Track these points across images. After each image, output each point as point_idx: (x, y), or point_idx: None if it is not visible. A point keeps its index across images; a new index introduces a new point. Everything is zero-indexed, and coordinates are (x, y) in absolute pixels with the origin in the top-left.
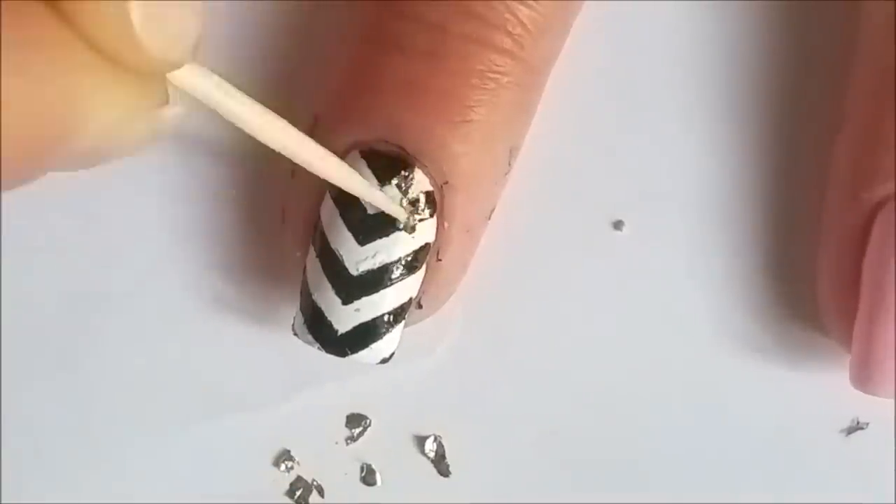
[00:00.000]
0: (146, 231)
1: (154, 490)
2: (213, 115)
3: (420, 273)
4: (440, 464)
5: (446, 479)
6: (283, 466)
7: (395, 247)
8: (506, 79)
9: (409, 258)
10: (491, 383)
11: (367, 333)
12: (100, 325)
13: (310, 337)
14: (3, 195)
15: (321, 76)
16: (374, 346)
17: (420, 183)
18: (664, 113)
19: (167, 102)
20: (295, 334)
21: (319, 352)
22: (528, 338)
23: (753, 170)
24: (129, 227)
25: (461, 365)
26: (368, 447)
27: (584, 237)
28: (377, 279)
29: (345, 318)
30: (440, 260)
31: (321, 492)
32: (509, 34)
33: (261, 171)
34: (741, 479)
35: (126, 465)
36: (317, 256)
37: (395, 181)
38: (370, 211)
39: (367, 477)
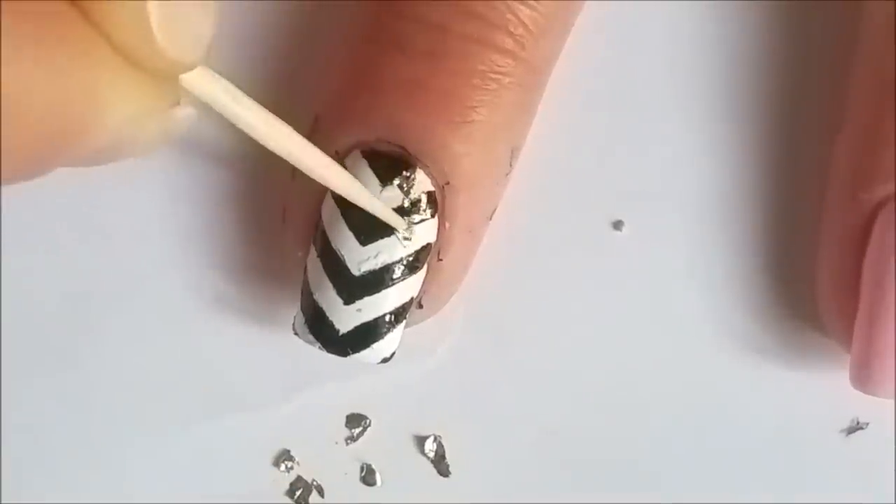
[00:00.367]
0: (147, 231)
1: (154, 490)
2: (218, 117)
3: (421, 273)
4: (440, 464)
5: (446, 479)
6: (283, 466)
7: (397, 247)
8: (507, 79)
9: (411, 258)
10: (491, 383)
11: (368, 333)
12: (100, 325)
13: (311, 337)
14: (4, 195)
15: (321, 76)
16: (375, 345)
17: (422, 183)
18: (664, 113)
19: (178, 104)
20: (296, 334)
21: (320, 352)
22: (529, 338)
23: (753, 170)
24: (130, 227)
25: (461, 365)
26: (368, 447)
27: (584, 237)
28: (379, 279)
29: (346, 318)
30: (441, 260)
31: (321, 492)
32: (511, 34)
33: (261, 172)
34: (741, 478)
35: (126, 465)
36: (318, 256)
37: (396, 181)
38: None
39: (367, 477)
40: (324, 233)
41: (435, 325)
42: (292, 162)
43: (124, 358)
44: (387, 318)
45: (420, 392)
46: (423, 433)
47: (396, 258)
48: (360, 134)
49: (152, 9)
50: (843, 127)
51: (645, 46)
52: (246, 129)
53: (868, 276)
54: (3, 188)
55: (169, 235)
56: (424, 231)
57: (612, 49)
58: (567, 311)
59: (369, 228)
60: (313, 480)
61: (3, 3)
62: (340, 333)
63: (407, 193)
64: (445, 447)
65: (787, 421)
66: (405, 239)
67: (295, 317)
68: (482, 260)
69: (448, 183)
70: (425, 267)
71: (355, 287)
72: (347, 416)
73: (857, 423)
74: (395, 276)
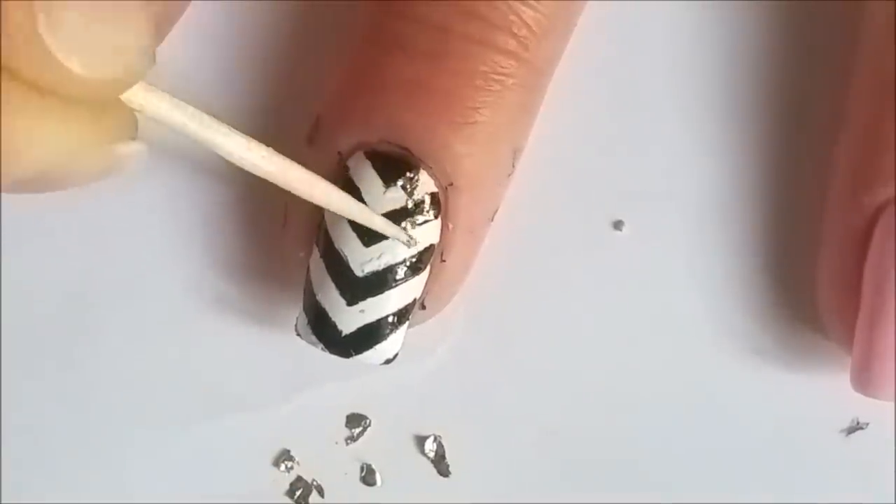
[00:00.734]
0: (147, 231)
1: (154, 490)
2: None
3: (424, 274)
4: (440, 464)
5: (446, 479)
6: (283, 466)
7: (400, 248)
8: (510, 80)
9: (414, 259)
10: (491, 383)
11: (371, 335)
12: (100, 324)
13: (313, 338)
14: (4, 195)
15: (323, 76)
16: (378, 347)
17: (425, 184)
18: (664, 113)
19: (132, 136)
20: (298, 335)
21: (321, 352)
22: (529, 338)
23: (753, 170)
24: (130, 227)
25: (462, 365)
26: (368, 447)
27: (584, 237)
28: (382, 280)
29: (349, 319)
30: (444, 261)
31: (321, 492)
32: (514, 35)
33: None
34: (741, 479)
35: (126, 465)
36: (321, 257)
37: (399, 182)
38: (375, 211)
39: (367, 477)
40: (326, 233)
41: (436, 325)
42: (259, 174)
43: (124, 358)
44: (390, 320)
45: (420, 392)
46: (423, 433)
47: (399, 259)
48: (362, 135)
49: (42, 25)
50: (844, 128)
51: (645, 47)
52: (206, 145)
53: (869, 279)
54: None
55: (169, 235)
56: (427, 232)
57: (612, 49)
58: (567, 310)
59: (373, 230)
60: (313, 480)
61: None
62: (343, 334)
63: (410, 194)
64: (445, 447)
65: (787, 421)
66: (409, 241)
67: (297, 317)
68: (483, 260)
69: (451, 184)
70: (428, 268)
71: (358, 288)
72: (347, 416)
73: (857, 423)
74: (398, 278)
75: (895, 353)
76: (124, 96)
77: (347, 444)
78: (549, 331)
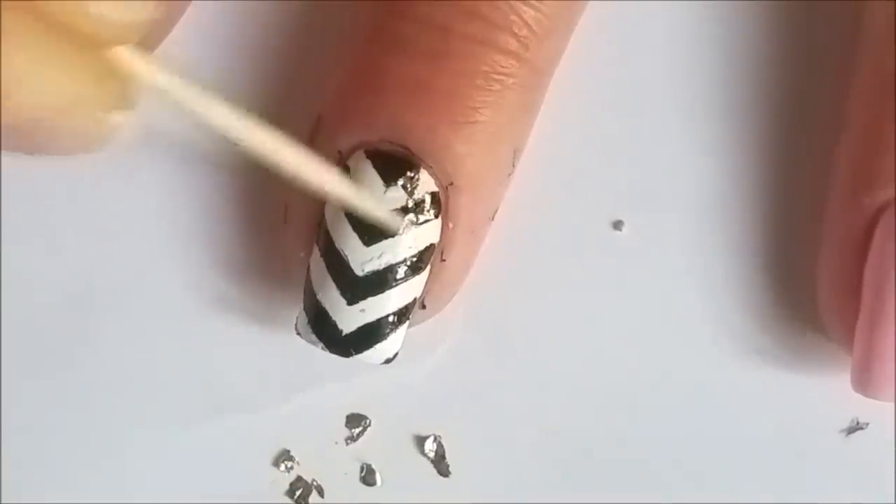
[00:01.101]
0: (147, 230)
1: (154, 490)
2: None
3: (425, 273)
4: (440, 464)
5: (446, 479)
6: (283, 466)
7: (400, 247)
8: (511, 80)
9: (415, 259)
10: (491, 383)
11: (371, 334)
12: (100, 324)
13: (313, 337)
14: (4, 195)
15: (324, 76)
16: (378, 346)
17: (426, 184)
18: (664, 113)
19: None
20: (298, 334)
21: (320, 352)
22: (529, 338)
23: (753, 170)
24: (130, 227)
25: (461, 365)
26: (368, 447)
27: (584, 237)
28: (382, 280)
29: (349, 318)
30: (444, 260)
31: (321, 492)
32: (514, 35)
33: (262, 171)
34: (741, 479)
35: (126, 465)
36: (321, 256)
37: (400, 182)
38: None
39: (367, 477)
40: (327, 233)
41: (435, 324)
42: (246, 146)
43: (124, 358)
44: (390, 319)
45: (420, 392)
46: (423, 433)
47: (400, 259)
48: (363, 134)
49: None
50: (844, 128)
51: (645, 47)
52: (194, 114)
53: (869, 280)
54: (4, 187)
55: (169, 235)
56: (428, 231)
57: (612, 49)
58: (567, 310)
59: (373, 229)
60: (313, 480)
61: None
62: (343, 334)
63: (411, 194)
64: (445, 447)
65: (787, 421)
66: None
67: (297, 317)
68: (483, 259)
69: (452, 183)
70: (428, 267)
71: (359, 287)
72: (347, 416)
73: (857, 423)
74: (398, 277)
75: (895, 354)
76: (136, 65)
77: (347, 444)
78: (549, 331)
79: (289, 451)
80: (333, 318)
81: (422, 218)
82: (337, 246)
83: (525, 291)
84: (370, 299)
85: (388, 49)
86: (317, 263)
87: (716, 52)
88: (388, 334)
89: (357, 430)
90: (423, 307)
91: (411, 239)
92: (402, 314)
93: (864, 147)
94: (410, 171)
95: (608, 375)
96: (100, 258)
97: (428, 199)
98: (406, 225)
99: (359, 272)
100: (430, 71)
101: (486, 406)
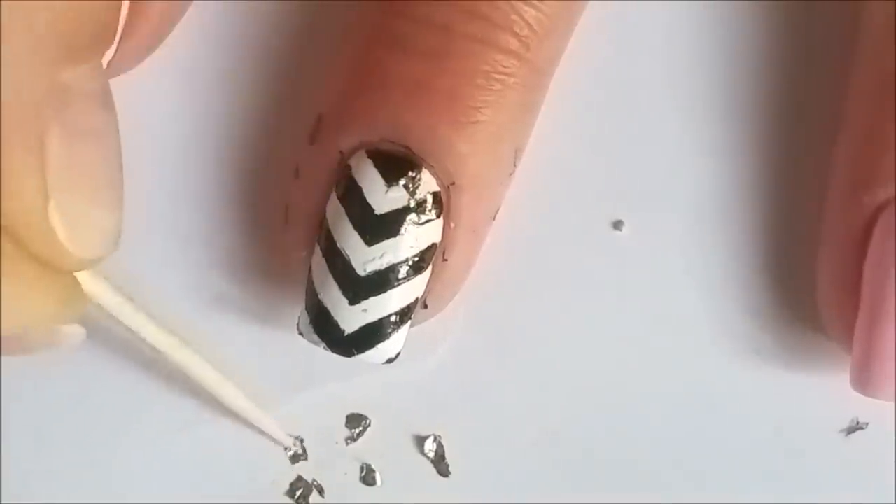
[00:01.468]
0: (147, 230)
1: (154, 490)
2: None
3: (426, 273)
4: (440, 464)
5: (446, 479)
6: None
7: (402, 247)
8: (512, 79)
9: (416, 258)
10: (491, 383)
11: (373, 334)
12: (100, 324)
13: (315, 337)
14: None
15: (324, 76)
16: (380, 346)
17: (427, 183)
18: (664, 113)
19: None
20: (300, 334)
21: (321, 352)
22: (529, 338)
23: (753, 170)
24: (130, 226)
25: (461, 365)
26: (368, 447)
27: (584, 237)
28: (384, 280)
29: (351, 318)
30: (446, 260)
31: (321, 492)
32: (515, 35)
33: (263, 171)
34: (741, 478)
35: (126, 465)
36: (322, 256)
37: (402, 182)
38: (377, 211)
39: (367, 477)
40: (329, 232)
41: (436, 324)
42: (181, 369)
43: (124, 357)
44: (392, 319)
45: (420, 392)
46: (423, 433)
47: (402, 258)
48: (364, 134)
49: (54, 214)
50: (843, 128)
51: (646, 47)
52: (135, 332)
53: (869, 279)
54: None
55: (169, 235)
56: (430, 231)
57: (612, 49)
58: (567, 310)
59: (375, 228)
60: (313, 480)
61: None
62: (346, 334)
63: (413, 193)
64: (445, 447)
65: (787, 421)
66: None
67: (299, 316)
68: (483, 259)
69: (453, 183)
70: (430, 267)
71: (360, 287)
72: (347, 416)
73: (857, 423)
74: (400, 277)
75: (895, 353)
76: (92, 288)
77: (347, 444)
78: (549, 331)
79: (298, 440)
80: (335, 318)
81: (424, 217)
82: (338, 245)
83: (525, 291)
84: (372, 299)
85: (388, 48)
86: (318, 263)
87: (715, 52)
88: (390, 334)
89: (357, 430)
90: (426, 307)
91: (413, 239)
92: (404, 314)
93: (863, 146)
94: (412, 170)
95: (608, 375)
96: None
97: (430, 198)
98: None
99: (360, 272)
100: (430, 70)
101: (486, 406)
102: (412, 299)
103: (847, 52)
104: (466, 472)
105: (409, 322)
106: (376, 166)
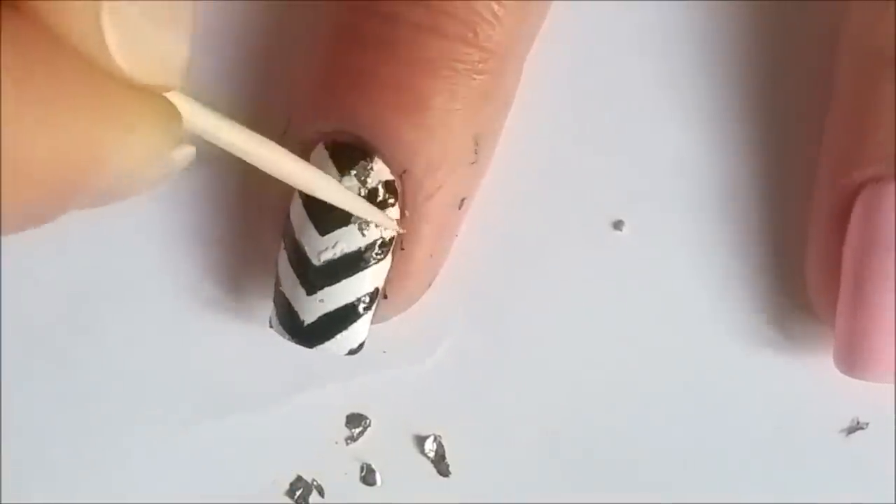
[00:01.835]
0: (147, 232)
1: (154, 490)
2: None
3: (385, 263)
4: (440, 464)
5: (446, 479)
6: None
7: (356, 236)
8: (462, 66)
9: (371, 248)
10: (491, 383)
11: (331, 324)
12: (99, 325)
13: (282, 328)
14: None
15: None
16: (339, 336)
17: (379, 172)
18: (664, 113)
19: (180, 143)
20: (271, 327)
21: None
22: (529, 338)
23: (753, 169)
24: (130, 227)
25: (461, 365)
26: (368, 447)
27: (584, 237)
28: (338, 269)
29: (310, 308)
30: (403, 249)
31: (321, 492)
32: (462, 21)
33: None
34: (741, 478)
35: (126, 465)
36: (284, 249)
37: (353, 171)
38: None
39: (367, 477)
40: (289, 225)
41: (435, 324)
42: (279, 175)
43: (124, 358)
44: (350, 309)
45: (420, 392)
46: (423, 433)
47: (355, 248)
48: (320, 126)
49: (105, 17)
50: (829, 111)
51: (644, 47)
52: (226, 147)
53: (848, 259)
54: None
55: (169, 236)
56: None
57: (610, 49)
58: (567, 310)
59: (327, 218)
60: (313, 480)
61: (3, 67)
62: (305, 324)
63: (363, 183)
64: (445, 447)
65: (787, 421)
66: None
67: (271, 311)
68: (482, 260)
69: (406, 171)
70: (389, 256)
71: (316, 277)
72: (347, 416)
73: (857, 423)
74: (355, 266)
75: (875, 333)
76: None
77: (347, 444)
78: (549, 331)
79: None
80: (296, 309)
81: (377, 207)
82: (296, 236)
83: (525, 291)
84: (327, 289)
85: (342, 42)
86: (281, 256)
87: (715, 51)
88: (348, 325)
89: (357, 430)
90: (386, 297)
91: (365, 226)
92: (364, 304)
93: (843, 128)
94: (364, 159)
95: (608, 375)
96: (100, 259)
97: (381, 187)
98: (399, 227)
99: (315, 261)
100: (378, 60)
101: (486, 406)
102: (371, 289)
103: None
104: (466, 472)
105: (371, 313)
106: (331, 156)
